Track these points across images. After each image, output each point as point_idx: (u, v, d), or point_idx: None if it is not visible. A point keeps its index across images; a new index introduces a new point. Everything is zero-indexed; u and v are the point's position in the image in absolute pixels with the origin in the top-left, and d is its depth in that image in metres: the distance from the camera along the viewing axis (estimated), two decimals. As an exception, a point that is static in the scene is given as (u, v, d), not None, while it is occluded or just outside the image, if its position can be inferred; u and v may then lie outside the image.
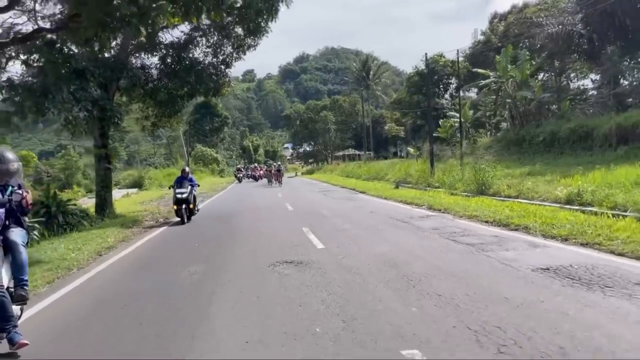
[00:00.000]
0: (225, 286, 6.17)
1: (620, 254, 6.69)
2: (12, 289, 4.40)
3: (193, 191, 14.17)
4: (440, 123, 38.68)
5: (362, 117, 61.22)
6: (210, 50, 17.38)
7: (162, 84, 17.13)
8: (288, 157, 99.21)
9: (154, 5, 9.04)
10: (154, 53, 16.82)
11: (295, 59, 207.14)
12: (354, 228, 10.76)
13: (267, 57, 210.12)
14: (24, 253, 4.51)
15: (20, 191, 4.52)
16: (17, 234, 4.55)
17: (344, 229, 10.72)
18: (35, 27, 11.86)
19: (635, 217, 8.67)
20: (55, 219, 12.49)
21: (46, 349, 4.38)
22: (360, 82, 73.61)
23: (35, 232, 10.49)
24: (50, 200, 12.92)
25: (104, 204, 16.00)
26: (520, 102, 30.56)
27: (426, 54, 28.99)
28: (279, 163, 46.17)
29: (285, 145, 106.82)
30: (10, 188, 4.54)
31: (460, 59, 48.73)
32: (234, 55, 17.30)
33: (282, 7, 14.19)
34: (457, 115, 35.80)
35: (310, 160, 75.61)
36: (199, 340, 4.26)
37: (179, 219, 13.82)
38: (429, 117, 29.77)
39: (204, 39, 17.21)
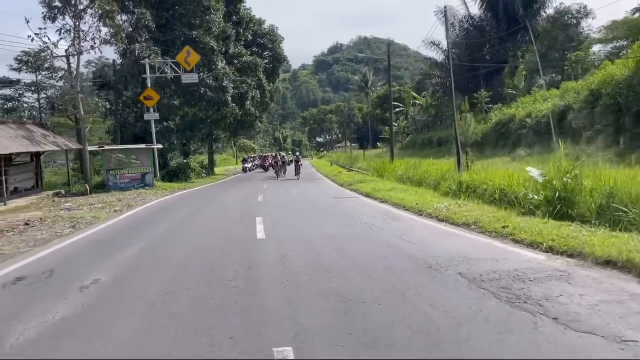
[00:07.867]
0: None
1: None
2: None
3: None
4: (385, 130, 68.36)
5: (357, 118, 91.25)
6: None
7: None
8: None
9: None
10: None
11: (330, 49, 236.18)
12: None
13: (302, 45, 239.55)
14: None
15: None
16: None
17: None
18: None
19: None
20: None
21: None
22: (362, 89, 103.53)
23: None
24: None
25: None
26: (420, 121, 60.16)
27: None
28: (298, 153, 42.92)
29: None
30: None
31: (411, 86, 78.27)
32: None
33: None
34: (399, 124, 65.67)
35: (321, 149, 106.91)
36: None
37: None
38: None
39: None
